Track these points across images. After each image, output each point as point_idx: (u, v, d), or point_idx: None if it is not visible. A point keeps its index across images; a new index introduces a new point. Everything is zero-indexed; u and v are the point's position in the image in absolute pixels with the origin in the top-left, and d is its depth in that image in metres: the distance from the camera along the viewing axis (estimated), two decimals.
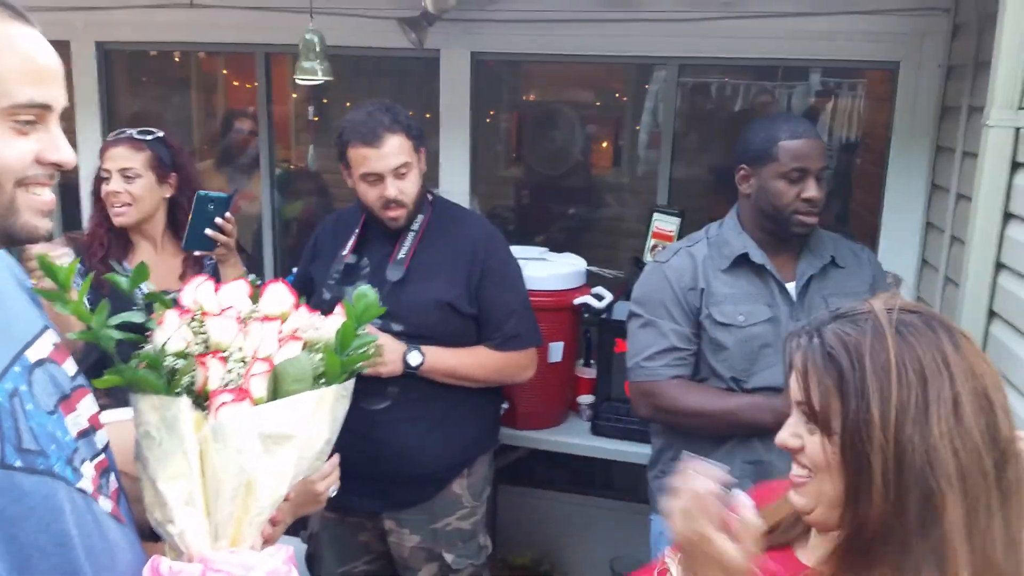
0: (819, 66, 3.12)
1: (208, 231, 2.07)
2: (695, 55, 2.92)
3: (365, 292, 1.19)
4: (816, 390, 0.93)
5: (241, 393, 1.07)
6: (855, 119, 3.20)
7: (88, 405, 1.08)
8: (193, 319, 1.14)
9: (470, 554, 2.34)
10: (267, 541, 1.17)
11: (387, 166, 2.05)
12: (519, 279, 2.30)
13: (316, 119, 4.12)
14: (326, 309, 1.29)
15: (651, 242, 2.66)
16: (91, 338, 1.12)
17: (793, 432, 0.97)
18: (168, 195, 2.26)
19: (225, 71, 4.27)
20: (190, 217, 2.09)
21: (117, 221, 2.22)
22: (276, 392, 1.10)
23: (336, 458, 1.59)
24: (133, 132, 2.27)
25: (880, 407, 0.88)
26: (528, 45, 2.97)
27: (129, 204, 2.21)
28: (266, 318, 1.14)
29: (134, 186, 2.21)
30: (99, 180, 2.26)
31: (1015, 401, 1.81)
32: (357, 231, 2.20)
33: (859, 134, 3.16)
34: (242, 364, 1.10)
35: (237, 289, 1.17)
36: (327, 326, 1.19)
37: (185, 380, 1.10)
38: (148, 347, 1.13)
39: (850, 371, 0.90)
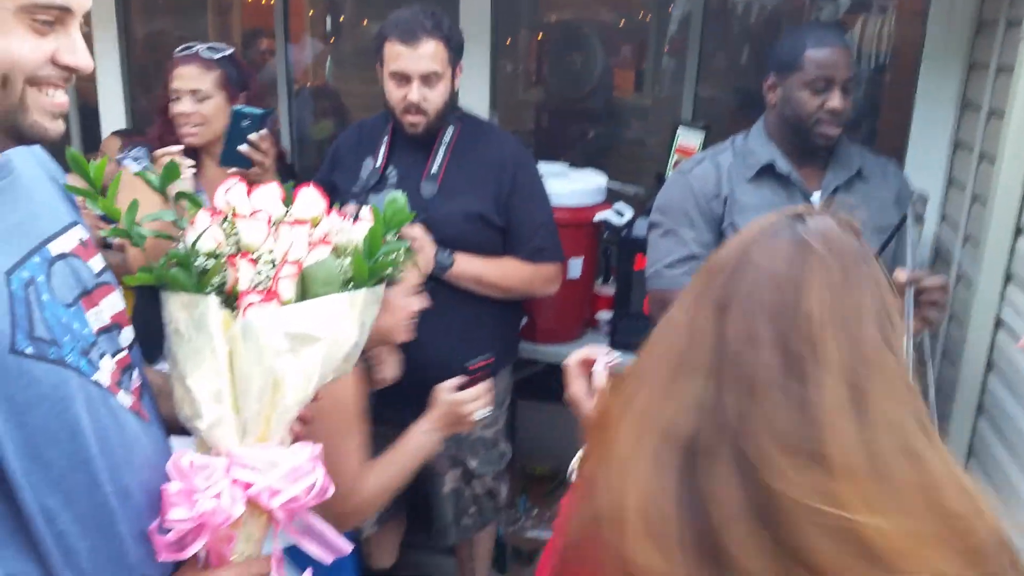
0: None
1: (243, 147, 2.06)
2: None
3: (396, 198, 1.19)
4: None
5: (269, 294, 1.09)
6: (886, 34, 3.13)
7: (113, 302, 1.10)
8: (224, 220, 1.15)
9: (492, 460, 2.41)
10: (297, 439, 1.19)
11: (417, 68, 2.04)
12: (545, 194, 2.32)
13: (332, 39, 4.07)
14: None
15: (674, 157, 2.64)
16: (122, 235, 1.14)
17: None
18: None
19: None
20: (225, 133, 2.08)
21: (187, 142, 2.20)
22: (304, 295, 1.12)
23: (488, 383, 1.74)
24: (201, 49, 2.23)
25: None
26: None
27: (200, 124, 2.20)
28: (296, 222, 1.15)
29: (204, 107, 2.20)
30: (166, 97, 2.24)
31: None
32: (387, 139, 2.18)
33: (890, 49, 3.10)
34: (271, 266, 1.11)
35: (269, 192, 1.18)
36: (357, 231, 1.20)
37: (215, 280, 1.12)
38: (179, 246, 1.15)
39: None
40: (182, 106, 2.19)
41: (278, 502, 1.12)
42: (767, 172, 2.02)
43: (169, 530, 1.09)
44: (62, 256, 1.03)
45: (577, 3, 3.89)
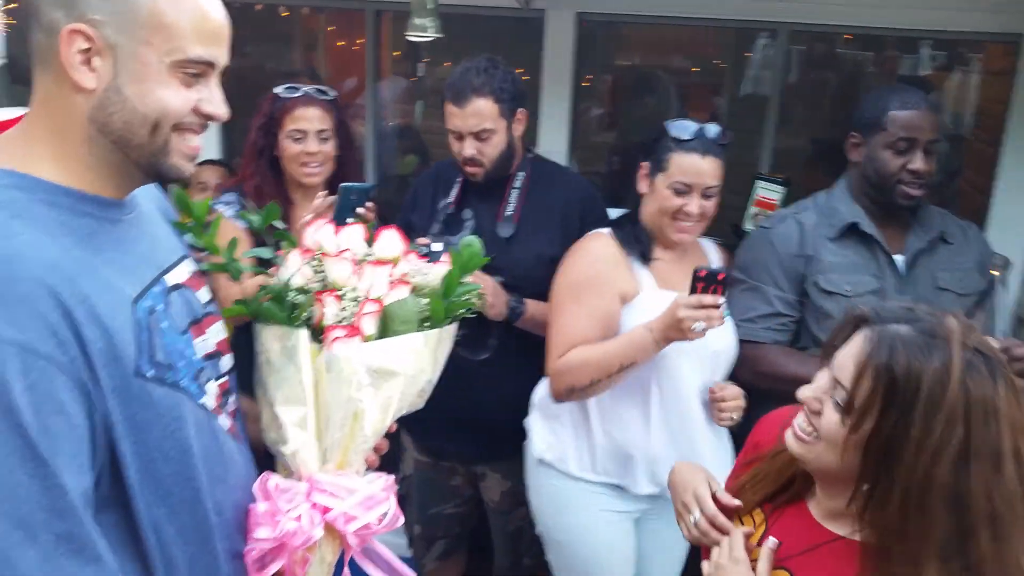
0: (934, 37, 3.02)
1: (350, 219, 2.13)
2: (805, 21, 2.85)
3: (471, 242, 1.25)
4: (864, 386, 0.97)
5: (353, 330, 1.15)
6: (970, 94, 3.08)
7: (217, 331, 1.18)
8: (313, 259, 1.22)
9: None
10: (370, 468, 1.26)
11: (467, 127, 2.13)
12: None
13: (414, 78, 4.19)
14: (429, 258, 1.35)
15: (752, 210, 2.64)
16: (222, 270, 1.23)
17: (817, 396, 1.03)
18: (335, 153, 2.33)
19: (329, 28, 4.37)
20: (335, 208, 2.12)
21: (309, 181, 2.27)
22: (385, 331, 1.18)
23: (716, 298, 1.77)
24: (312, 90, 2.30)
25: (919, 436, 0.93)
26: (634, 6, 2.95)
27: (322, 164, 2.29)
28: (378, 262, 1.21)
29: (327, 146, 2.29)
30: (268, 133, 2.29)
31: None
32: (459, 182, 2.27)
33: (974, 110, 3.05)
34: (355, 303, 1.17)
35: (354, 233, 1.25)
36: (434, 272, 1.26)
37: (304, 315, 1.18)
38: (273, 281, 1.23)
39: (903, 389, 0.94)
40: (309, 145, 2.25)
41: (353, 528, 1.17)
42: (851, 232, 2.01)
43: (252, 549, 1.15)
44: (177, 287, 1.11)
45: (656, 46, 3.93)
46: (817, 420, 1.02)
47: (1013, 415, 0.93)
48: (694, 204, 1.91)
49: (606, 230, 2.09)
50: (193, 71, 1.00)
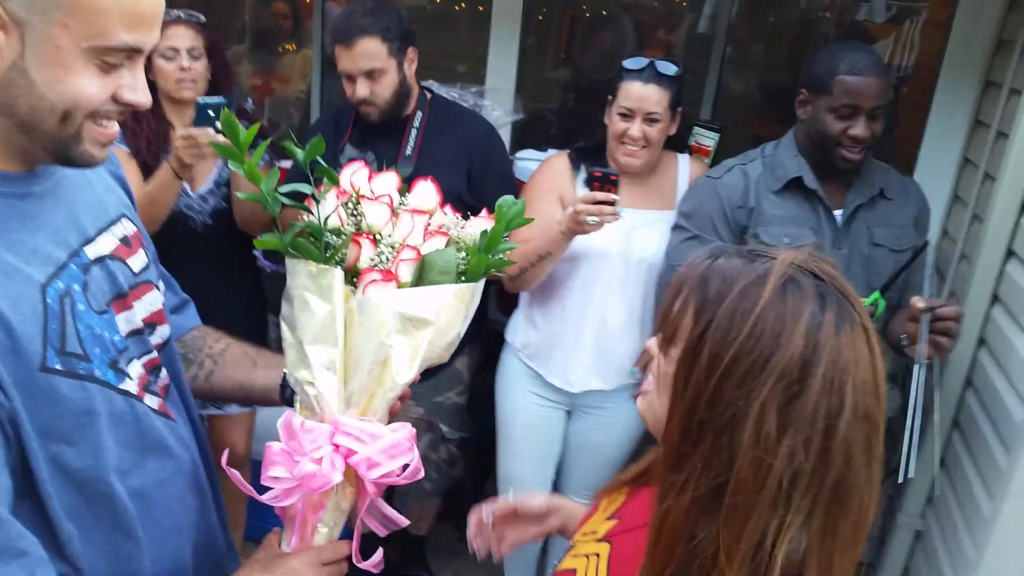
0: None
1: (212, 132, 2.15)
2: None
3: (512, 200, 1.22)
4: (677, 304, 0.89)
5: (388, 275, 1.13)
6: (910, 46, 3.14)
7: (149, 302, 1.11)
8: (350, 201, 1.19)
9: (460, 427, 2.55)
10: (392, 416, 1.22)
11: (357, 67, 2.16)
12: (512, 174, 2.49)
13: None
14: None
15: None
16: (259, 200, 1.16)
17: (655, 341, 0.95)
18: (208, 75, 2.39)
19: None
20: (192, 122, 2.18)
21: (183, 96, 2.34)
22: (420, 280, 1.16)
23: (610, 195, 1.98)
24: (181, 13, 2.35)
25: (717, 345, 0.82)
26: None
27: (195, 81, 2.33)
28: (416, 211, 1.19)
29: (199, 64, 2.34)
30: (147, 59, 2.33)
31: None
32: (351, 122, 2.31)
33: (911, 61, 3.12)
34: (391, 249, 1.16)
35: (388, 180, 1.22)
36: (471, 227, 1.24)
37: (337, 256, 1.15)
38: (310, 218, 1.18)
39: (713, 300, 0.84)
40: (182, 61, 2.30)
41: (376, 474, 1.13)
42: (794, 185, 2.06)
43: (267, 488, 1.13)
44: (99, 259, 1.03)
45: None
46: (652, 366, 0.95)
47: (839, 348, 0.80)
48: (636, 128, 2.12)
49: (565, 151, 2.36)
50: (115, 60, 0.90)
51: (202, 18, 2.40)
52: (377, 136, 2.29)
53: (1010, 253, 2.01)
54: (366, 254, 1.14)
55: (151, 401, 1.10)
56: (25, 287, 0.91)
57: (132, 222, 1.14)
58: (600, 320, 2.29)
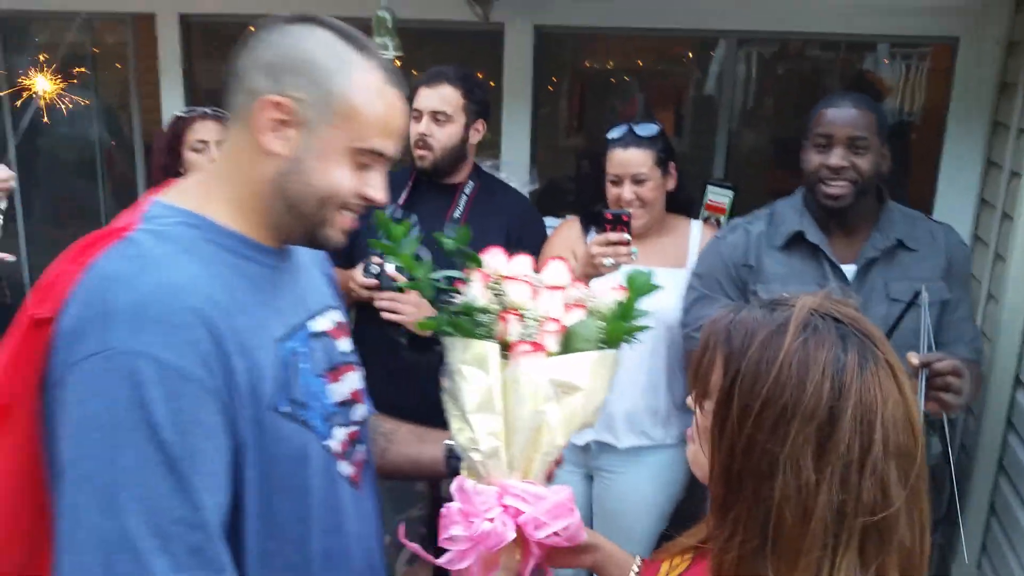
0: (880, 40, 3.13)
1: None
2: (756, 28, 2.96)
3: (642, 272, 1.33)
4: (705, 360, 0.92)
5: (537, 346, 1.23)
6: (916, 93, 3.19)
7: (353, 380, 1.24)
8: (493, 282, 1.30)
9: None
10: (548, 480, 1.29)
11: (427, 105, 2.29)
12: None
13: None
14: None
15: (704, 214, 2.73)
16: (415, 287, 1.33)
17: (692, 397, 0.98)
18: None
19: None
20: None
21: None
22: (566, 349, 1.26)
23: (623, 236, 1.97)
24: (208, 110, 2.47)
25: (746, 396, 0.84)
26: (589, 18, 3.04)
27: None
28: (552, 287, 1.31)
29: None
30: (171, 152, 2.43)
31: None
32: (409, 184, 2.39)
33: (919, 108, 3.16)
34: (536, 322, 1.25)
35: (523, 262, 1.34)
36: (603, 298, 1.34)
37: (489, 331, 1.25)
38: (461, 299, 1.29)
39: (738, 352, 0.87)
40: (210, 154, 2.39)
41: (542, 534, 1.19)
42: (798, 241, 2.01)
43: (444, 550, 1.20)
44: (319, 334, 1.18)
45: (619, 52, 4.01)
46: (696, 420, 0.98)
47: (865, 384, 0.82)
48: (626, 191, 2.19)
49: (576, 216, 2.43)
50: (367, 160, 1.08)
51: (227, 114, 2.49)
52: (427, 199, 2.38)
53: None
54: (514, 328, 1.25)
55: (346, 468, 1.20)
56: (267, 340, 1.06)
57: (340, 313, 1.29)
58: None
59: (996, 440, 2.12)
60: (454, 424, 1.26)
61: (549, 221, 2.78)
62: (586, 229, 2.36)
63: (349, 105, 1.04)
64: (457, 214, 2.35)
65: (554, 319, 1.25)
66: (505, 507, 1.19)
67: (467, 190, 2.39)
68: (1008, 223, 2.25)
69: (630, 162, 2.18)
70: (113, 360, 0.91)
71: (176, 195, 1.09)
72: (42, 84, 2.45)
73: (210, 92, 3.92)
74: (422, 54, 3.61)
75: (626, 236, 1.98)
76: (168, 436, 0.91)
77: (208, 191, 1.08)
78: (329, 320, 1.22)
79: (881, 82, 3.25)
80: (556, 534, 1.20)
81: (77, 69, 4.02)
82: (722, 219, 2.66)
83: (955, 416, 1.81)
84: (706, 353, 0.92)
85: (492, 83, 3.43)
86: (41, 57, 4.29)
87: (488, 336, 1.24)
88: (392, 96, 1.08)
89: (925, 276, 1.93)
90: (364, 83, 1.04)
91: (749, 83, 3.46)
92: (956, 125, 2.66)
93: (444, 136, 2.31)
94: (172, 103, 3.55)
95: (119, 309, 0.93)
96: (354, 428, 1.22)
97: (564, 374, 1.23)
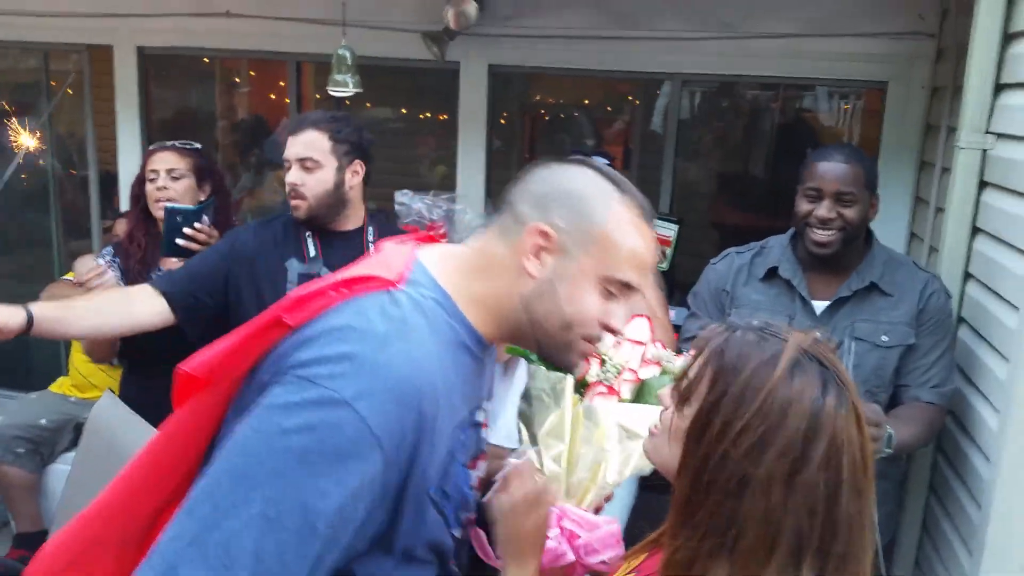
0: (815, 84, 3.31)
1: (179, 240, 2.28)
2: (697, 72, 3.11)
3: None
4: (694, 371, 1.00)
5: (612, 390, 1.32)
6: (850, 133, 3.38)
7: (482, 469, 1.26)
8: None
9: None
10: (596, 511, 1.36)
11: (294, 153, 2.18)
12: None
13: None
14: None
15: None
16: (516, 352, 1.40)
17: (669, 392, 1.07)
18: (202, 199, 2.49)
19: (252, 72, 4.49)
20: (164, 229, 2.32)
21: (158, 214, 2.41)
22: (637, 399, 1.36)
23: None
24: (175, 143, 2.52)
25: (729, 415, 0.92)
26: (541, 59, 3.17)
27: (171, 200, 2.41)
28: (633, 341, 1.39)
29: (179, 184, 2.44)
30: (141, 183, 2.48)
31: None
32: (312, 236, 2.25)
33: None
34: (615, 369, 1.35)
35: (640, 325, 1.43)
36: (677, 361, 1.44)
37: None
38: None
39: (728, 372, 0.95)
40: (159, 182, 2.42)
41: (594, 560, 1.26)
42: (775, 274, 2.14)
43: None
44: (478, 424, 1.21)
45: (568, 89, 4.15)
46: (665, 415, 1.06)
47: (839, 427, 0.91)
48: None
49: None
50: (614, 290, 1.10)
51: (196, 145, 2.54)
52: (336, 251, 2.25)
53: (960, 320, 2.16)
54: (593, 370, 1.34)
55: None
56: (451, 427, 1.07)
57: (485, 409, 1.31)
58: None
59: (927, 460, 2.25)
60: (525, 443, 1.34)
61: None
62: None
63: (605, 235, 1.07)
64: None
65: (632, 370, 1.34)
66: (562, 529, 1.25)
67: (370, 235, 2.29)
68: (935, 255, 2.41)
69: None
70: (324, 398, 0.92)
71: (437, 266, 1.11)
72: (27, 141, 2.47)
73: (165, 123, 3.96)
74: (378, 90, 3.69)
75: None
76: (327, 497, 0.90)
77: (463, 277, 1.11)
78: (483, 411, 1.25)
79: (817, 120, 3.43)
80: (604, 562, 1.27)
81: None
82: (667, 251, 2.77)
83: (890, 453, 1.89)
84: (696, 360, 1.00)
85: (445, 116, 3.53)
86: None
87: (570, 371, 1.29)
88: (645, 231, 1.11)
89: (894, 320, 2.04)
90: (620, 216, 1.08)
91: (693, 121, 3.62)
92: (886, 163, 2.82)
93: (314, 182, 2.18)
94: (128, 134, 3.57)
95: (359, 359, 0.94)
96: (471, 514, 1.23)
97: (631, 421, 1.30)
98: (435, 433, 1.02)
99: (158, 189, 2.43)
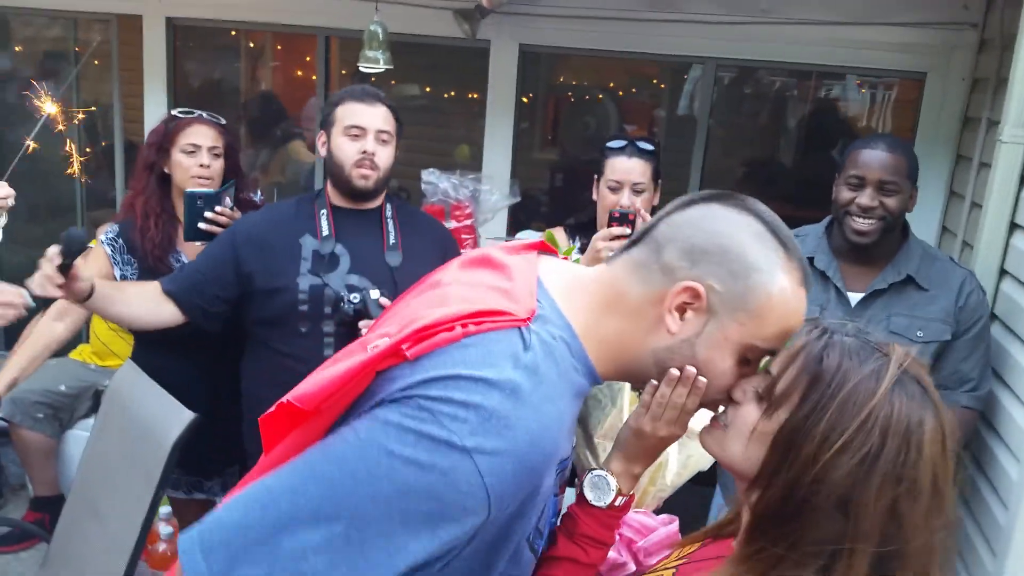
0: (850, 73, 3.26)
1: (202, 224, 2.23)
2: (732, 56, 3.07)
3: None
4: (789, 374, 0.95)
5: None
6: (883, 124, 3.33)
7: (569, 497, 1.25)
8: None
9: None
10: (655, 511, 1.34)
11: (374, 124, 2.15)
12: None
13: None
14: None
15: None
16: None
17: (743, 388, 1.01)
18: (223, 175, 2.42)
19: (278, 47, 4.47)
20: (184, 214, 2.25)
21: (188, 187, 2.30)
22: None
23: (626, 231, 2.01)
24: (203, 113, 2.40)
25: (827, 430, 0.89)
26: (573, 40, 3.13)
27: (211, 179, 2.34)
28: None
29: (217, 163, 2.36)
30: (159, 150, 2.35)
31: None
32: (327, 215, 2.22)
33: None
34: None
35: None
36: None
37: None
38: None
39: (825, 385, 0.91)
40: (202, 158, 2.33)
41: (652, 561, 1.23)
42: (810, 264, 2.00)
43: None
44: (566, 459, 1.13)
45: (596, 71, 4.11)
46: (735, 410, 1.01)
47: (935, 453, 0.88)
48: (625, 198, 2.20)
49: (562, 226, 2.48)
50: (753, 356, 1.02)
51: (222, 120, 2.46)
52: (352, 229, 2.22)
53: (992, 315, 2.13)
54: None
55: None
56: (556, 466, 1.00)
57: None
58: None
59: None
60: (578, 440, 1.31)
61: (531, 234, 2.85)
62: (571, 239, 2.42)
63: (761, 308, 0.98)
64: (392, 241, 2.23)
65: None
66: (620, 536, 1.22)
67: (388, 213, 2.27)
68: (968, 250, 2.37)
69: (632, 170, 2.22)
70: (443, 438, 0.85)
71: (565, 298, 1.04)
72: (50, 108, 2.42)
73: (193, 94, 3.95)
74: (407, 66, 3.66)
75: (628, 231, 2.03)
76: (417, 539, 0.86)
77: (591, 314, 1.03)
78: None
79: (850, 110, 3.39)
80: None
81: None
82: None
83: None
84: (792, 364, 0.95)
85: (474, 95, 3.50)
86: (17, 49, 4.28)
87: None
88: (803, 300, 1.02)
89: (929, 316, 2.01)
90: (783, 286, 0.99)
91: (725, 106, 3.57)
92: (920, 155, 2.77)
93: (386, 156, 2.18)
94: (155, 104, 3.56)
95: (486, 411, 0.87)
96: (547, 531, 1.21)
97: (692, 421, 1.26)
98: (546, 486, 0.97)
99: (201, 166, 2.33)
